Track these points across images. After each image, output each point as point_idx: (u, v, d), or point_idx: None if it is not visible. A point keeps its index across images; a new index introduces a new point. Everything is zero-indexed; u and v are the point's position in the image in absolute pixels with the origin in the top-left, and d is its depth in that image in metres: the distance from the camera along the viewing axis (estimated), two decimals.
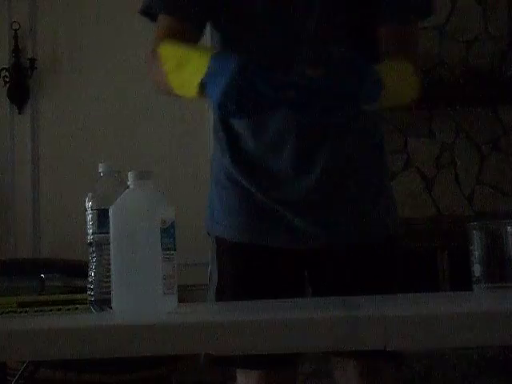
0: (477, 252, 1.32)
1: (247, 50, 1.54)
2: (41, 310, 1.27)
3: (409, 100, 1.53)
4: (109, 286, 1.14)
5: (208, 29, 1.64)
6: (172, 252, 1.12)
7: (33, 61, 4.64)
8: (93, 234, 1.21)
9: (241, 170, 1.63)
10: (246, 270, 1.64)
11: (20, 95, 4.66)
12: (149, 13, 1.62)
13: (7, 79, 4.66)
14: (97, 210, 1.20)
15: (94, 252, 1.21)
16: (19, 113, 4.68)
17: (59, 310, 1.27)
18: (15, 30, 4.64)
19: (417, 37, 1.67)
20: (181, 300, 1.16)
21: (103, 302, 1.18)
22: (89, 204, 1.22)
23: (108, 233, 1.14)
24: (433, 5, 1.69)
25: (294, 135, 1.57)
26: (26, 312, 1.26)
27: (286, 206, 1.60)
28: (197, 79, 1.34)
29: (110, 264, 1.13)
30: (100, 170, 1.23)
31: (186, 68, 1.39)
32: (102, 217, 1.19)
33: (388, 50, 1.55)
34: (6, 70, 4.67)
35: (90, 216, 1.21)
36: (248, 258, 1.64)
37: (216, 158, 1.70)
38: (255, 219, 1.63)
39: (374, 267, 1.63)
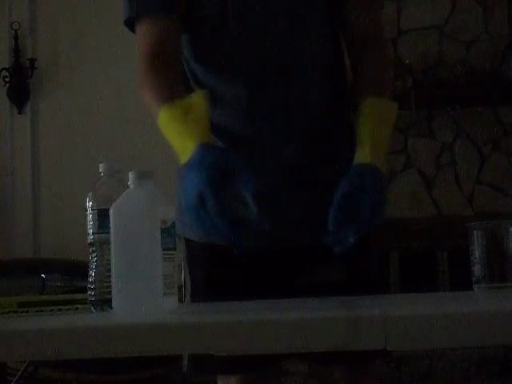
0: (477, 252, 1.32)
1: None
2: (41, 310, 1.27)
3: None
4: (109, 286, 1.14)
5: None
6: (172, 252, 1.12)
7: (33, 61, 4.64)
8: (93, 233, 1.21)
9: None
10: (216, 272, 1.62)
11: (20, 95, 4.66)
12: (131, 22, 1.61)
13: (7, 79, 4.66)
14: (97, 209, 1.20)
15: (94, 252, 1.21)
16: (19, 113, 4.68)
17: (59, 310, 1.28)
18: (15, 30, 4.64)
19: (378, 13, 1.76)
20: (181, 300, 1.16)
21: (103, 302, 1.18)
22: (89, 204, 1.22)
23: (108, 233, 1.14)
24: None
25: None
26: (26, 312, 1.26)
27: (257, 203, 1.59)
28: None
29: (110, 264, 1.13)
30: (100, 169, 1.23)
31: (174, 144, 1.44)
32: (102, 217, 1.19)
33: (356, 33, 1.63)
34: (6, 70, 4.67)
35: (91, 216, 1.21)
36: (218, 260, 1.61)
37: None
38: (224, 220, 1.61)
39: (348, 262, 1.60)
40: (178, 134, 1.43)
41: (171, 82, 1.52)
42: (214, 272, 1.63)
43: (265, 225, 1.59)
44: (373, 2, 1.71)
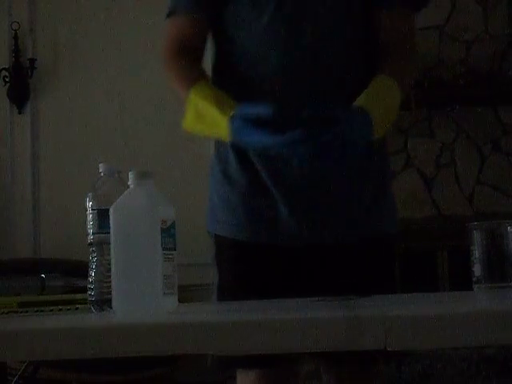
0: (477, 252, 1.32)
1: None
2: (41, 310, 1.27)
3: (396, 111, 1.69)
4: (109, 286, 1.14)
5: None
6: (172, 252, 1.12)
7: (33, 61, 4.64)
8: (93, 233, 1.21)
9: (245, 171, 1.64)
10: (244, 268, 1.65)
11: (20, 95, 4.66)
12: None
13: (7, 79, 4.66)
14: (97, 209, 1.20)
15: (94, 252, 1.21)
16: (19, 113, 4.68)
17: (59, 310, 1.28)
18: (15, 30, 4.64)
19: (414, 27, 1.75)
20: (181, 300, 1.16)
21: (103, 302, 1.18)
22: (89, 204, 1.22)
23: (108, 233, 1.14)
24: None
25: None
26: (26, 312, 1.26)
27: (283, 203, 1.61)
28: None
29: (110, 264, 1.13)
30: (100, 169, 1.23)
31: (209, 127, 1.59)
32: (102, 217, 1.19)
33: (387, 38, 1.67)
34: (6, 70, 4.67)
35: (91, 216, 1.21)
36: (246, 256, 1.65)
37: (217, 156, 1.71)
38: (254, 217, 1.64)
39: (369, 266, 1.63)
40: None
41: (188, 72, 1.68)
42: (242, 268, 1.65)
43: (293, 224, 1.61)
44: (409, 10, 1.71)
